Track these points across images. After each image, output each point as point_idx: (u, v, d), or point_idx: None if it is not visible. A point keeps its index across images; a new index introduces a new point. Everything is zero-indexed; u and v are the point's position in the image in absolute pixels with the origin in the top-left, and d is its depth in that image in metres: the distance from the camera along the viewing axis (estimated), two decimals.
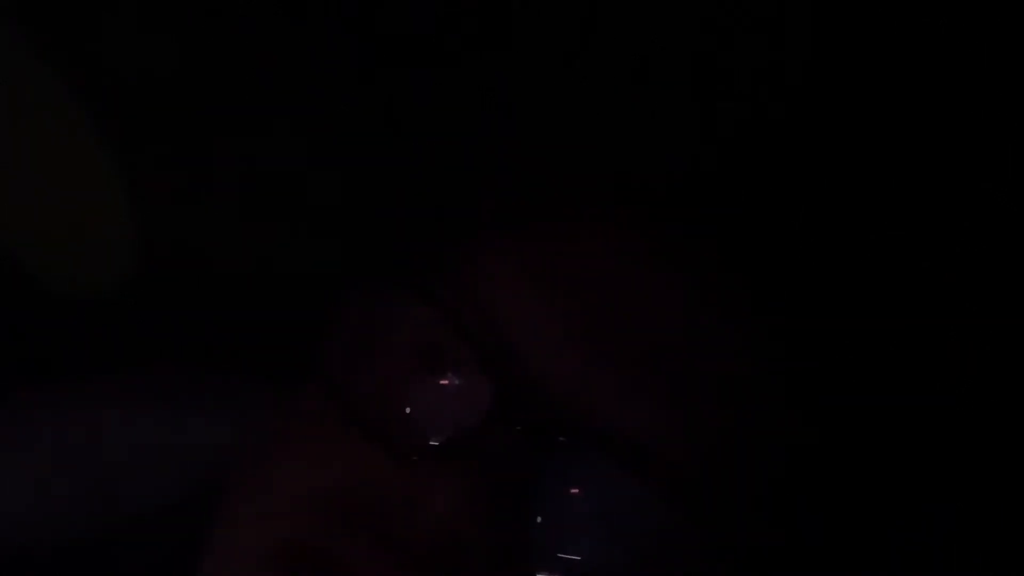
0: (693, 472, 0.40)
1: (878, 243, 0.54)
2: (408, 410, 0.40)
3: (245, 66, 0.58)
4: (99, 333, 0.58)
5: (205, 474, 0.51)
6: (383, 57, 0.58)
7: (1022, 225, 0.54)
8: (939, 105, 0.55)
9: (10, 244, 0.58)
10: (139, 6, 0.58)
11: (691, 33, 0.56)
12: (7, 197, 0.58)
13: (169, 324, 0.58)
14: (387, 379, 0.41)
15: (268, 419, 0.44)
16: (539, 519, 0.39)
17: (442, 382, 0.40)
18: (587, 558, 0.39)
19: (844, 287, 0.53)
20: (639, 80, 0.57)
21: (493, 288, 0.41)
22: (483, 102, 0.58)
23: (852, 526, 0.49)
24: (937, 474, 0.51)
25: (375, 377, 0.41)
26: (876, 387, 0.51)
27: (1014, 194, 0.54)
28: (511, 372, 0.40)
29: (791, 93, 0.55)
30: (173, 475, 0.52)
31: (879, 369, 0.52)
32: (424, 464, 0.39)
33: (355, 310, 0.43)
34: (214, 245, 0.59)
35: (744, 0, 0.55)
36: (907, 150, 0.55)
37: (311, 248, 0.59)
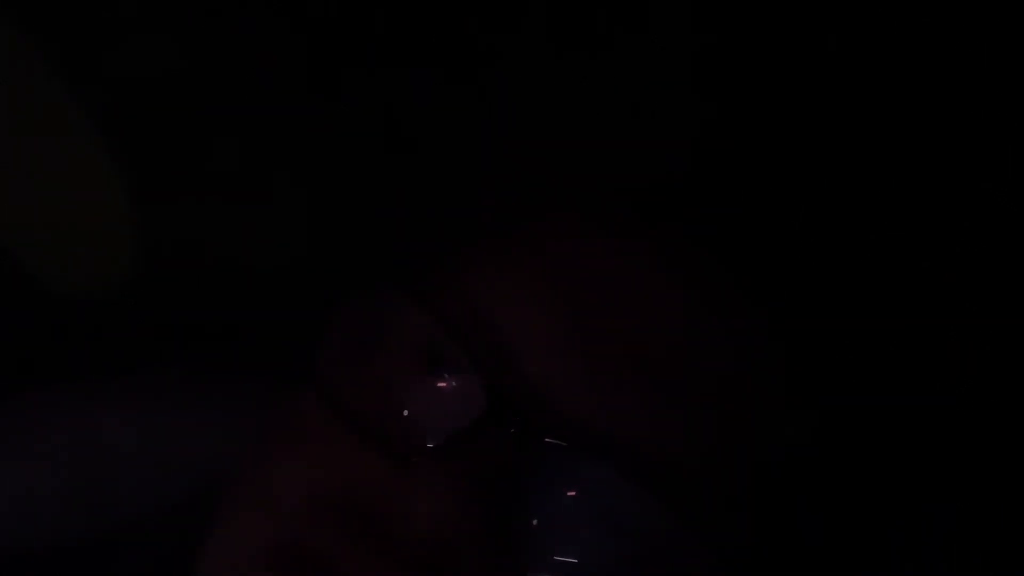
0: (690, 473, 0.40)
1: (878, 243, 0.54)
2: (404, 412, 0.40)
3: (245, 66, 0.58)
4: (99, 333, 0.58)
5: (204, 475, 0.51)
6: (383, 58, 0.58)
7: (1022, 225, 0.54)
8: (939, 105, 0.55)
9: (10, 244, 0.58)
10: (139, 6, 0.58)
11: (690, 33, 0.56)
12: (7, 197, 0.58)
13: (169, 324, 0.59)
14: (383, 381, 0.41)
15: (267, 420, 0.44)
16: (535, 521, 0.39)
17: (438, 384, 0.40)
18: (583, 560, 0.39)
19: (844, 287, 0.53)
20: (638, 81, 0.57)
21: (490, 289, 0.41)
22: (482, 103, 0.58)
23: (852, 526, 0.49)
24: (937, 474, 0.51)
25: (372, 379, 0.41)
26: (876, 387, 0.51)
27: (1014, 194, 0.54)
28: (507, 374, 0.40)
29: (790, 93, 0.55)
30: (172, 476, 0.52)
31: (879, 369, 0.52)
32: (420, 465, 0.39)
33: (352, 312, 0.43)
34: (213, 246, 0.59)
35: (743, 0, 0.55)
36: (907, 150, 0.55)
37: (309, 250, 0.59)
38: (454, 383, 0.40)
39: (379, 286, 0.42)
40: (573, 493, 0.39)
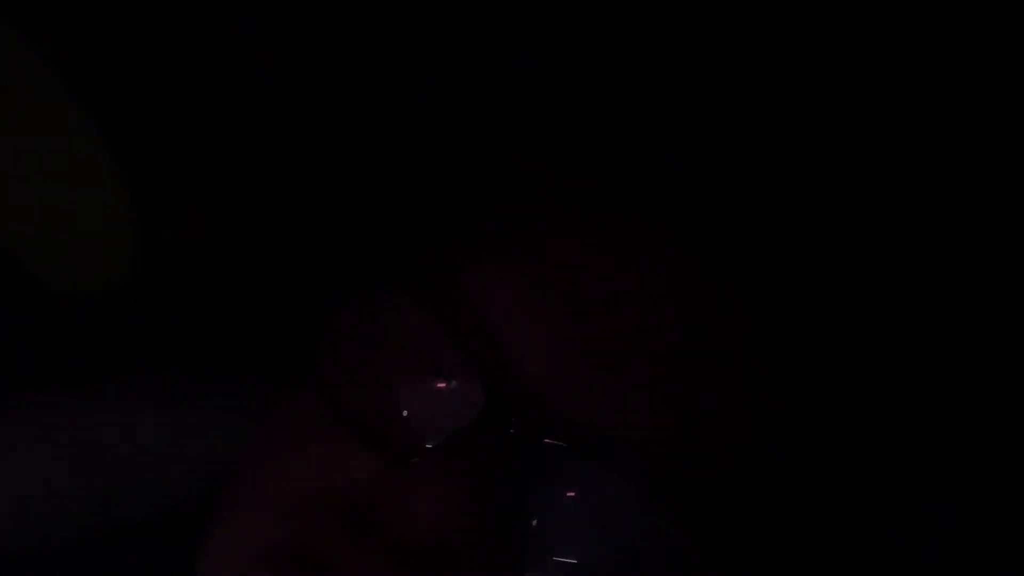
0: (690, 473, 0.40)
1: (878, 243, 0.54)
2: (404, 412, 0.40)
3: (245, 66, 0.58)
4: (99, 333, 0.58)
5: (204, 475, 0.51)
6: (383, 58, 0.58)
7: (1022, 225, 0.54)
8: (939, 104, 0.55)
9: (10, 244, 0.58)
10: (139, 6, 0.58)
11: (690, 33, 0.56)
12: (7, 197, 0.58)
13: (169, 324, 0.59)
14: (383, 381, 0.41)
15: (266, 420, 0.44)
16: (535, 521, 0.39)
17: (438, 384, 0.40)
18: (583, 560, 0.39)
19: (844, 287, 0.53)
20: (638, 81, 0.57)
21: (490, 290, 0.41)
22: (482, 103, 0.58)
23: (852, 526, 0.49)
24: (937, 474, 0.51)
25: (371, 379, 0.41)
26: (876, 387, 0.51)
27: (1014, 194, 0.54)
28: (507, 374, 0.40)
29: (789, 92, 0.55)
30: (171, 476, 0.52)
31: (879, 369, 0.52)
32: (420, 466, 0.39)
33: (352, 312, 0.43)
34: (213, 246, 0.59)
35: (742, 1, 0.55)
36: (907, 150, 0.55)
37: (309, 250, 0.59)
38: (454, 383, 0.40)
39: (379, 286, 0.42)
40: (573, 493, 0.39)
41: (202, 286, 0.59)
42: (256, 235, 0.59)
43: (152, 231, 0.58)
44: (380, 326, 0.42)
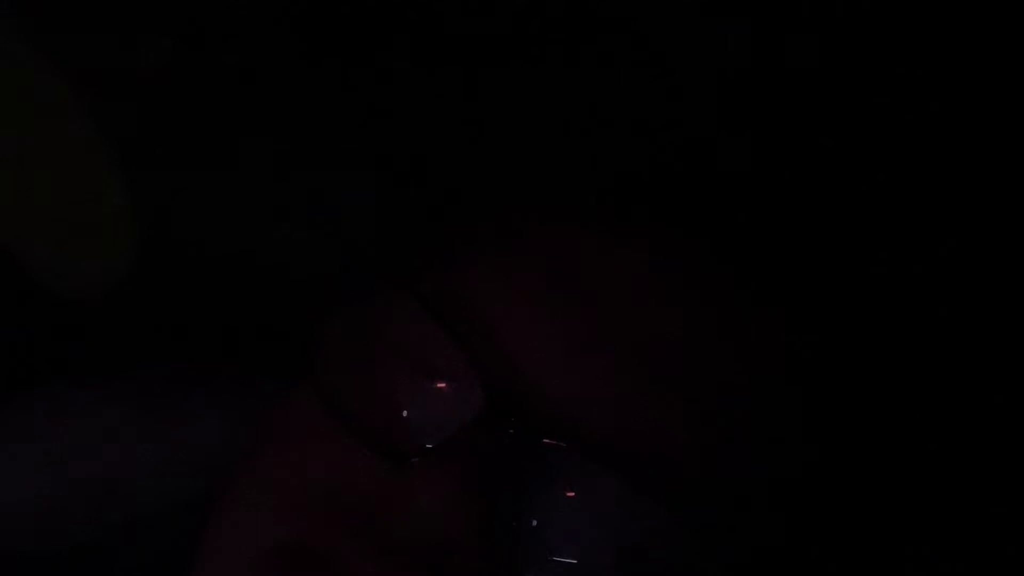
0: (688, 475, 0.40)
1: (878, 242, 0.54)
2: (403, 412, 0.40)
3: (245, 66, 0.58)
4: (99, 333, 0.58)
5: (204, 475, 0.51)
6: (383, 58, 0.58)
7: (1022, 225, 0.54)
8: (939, 104, 0.55)
9: (10, 244, 0.58)
10: (139, 6, 0.58)
11: (687, 33, 0.56)
12: (7, 197, 0.58)
13: (167, 324, 0.59)
14: (382, 381, 0.41)
15: (266, 420, 0.44)
16: (534, 521, 0.39)
17: (436, 385, 0.40)
18: (582, 560, 0.39)
19: (845, 286, 0.53)
20: (638, 80, 0.57)
21: (489, 289, 0.41)
22: (483, 102, 0.58)
23: (853, 527, 0.49)
24: (937, 474, 0.51)
25: (370, 379, 0.41)
26: (876, 387, 0.51)
27: (1014, 194, 0.54)
28: (506, 374, 0.40)
29: (790, 93, 0.55)
30: (170, 476, 0.52)
31: (880, 369, 0.52)
32: (418, 466, 0.39)
33: (351, 312, 0.43)
34: (212, 245, 0.59)
35: (741, 2, 0.55)
36: (907, 149, 0.55)
37: (308, 249, 0.59)
38: (453, 383, 0.40)
39: (378, 286, 0.42)
40: (573, 493, 0.39)
41: (200, 286, 0.59)
42: (255, 235, 0.60)
43: (150, 230, 0.58)
44: (380, 326, 0.42)
